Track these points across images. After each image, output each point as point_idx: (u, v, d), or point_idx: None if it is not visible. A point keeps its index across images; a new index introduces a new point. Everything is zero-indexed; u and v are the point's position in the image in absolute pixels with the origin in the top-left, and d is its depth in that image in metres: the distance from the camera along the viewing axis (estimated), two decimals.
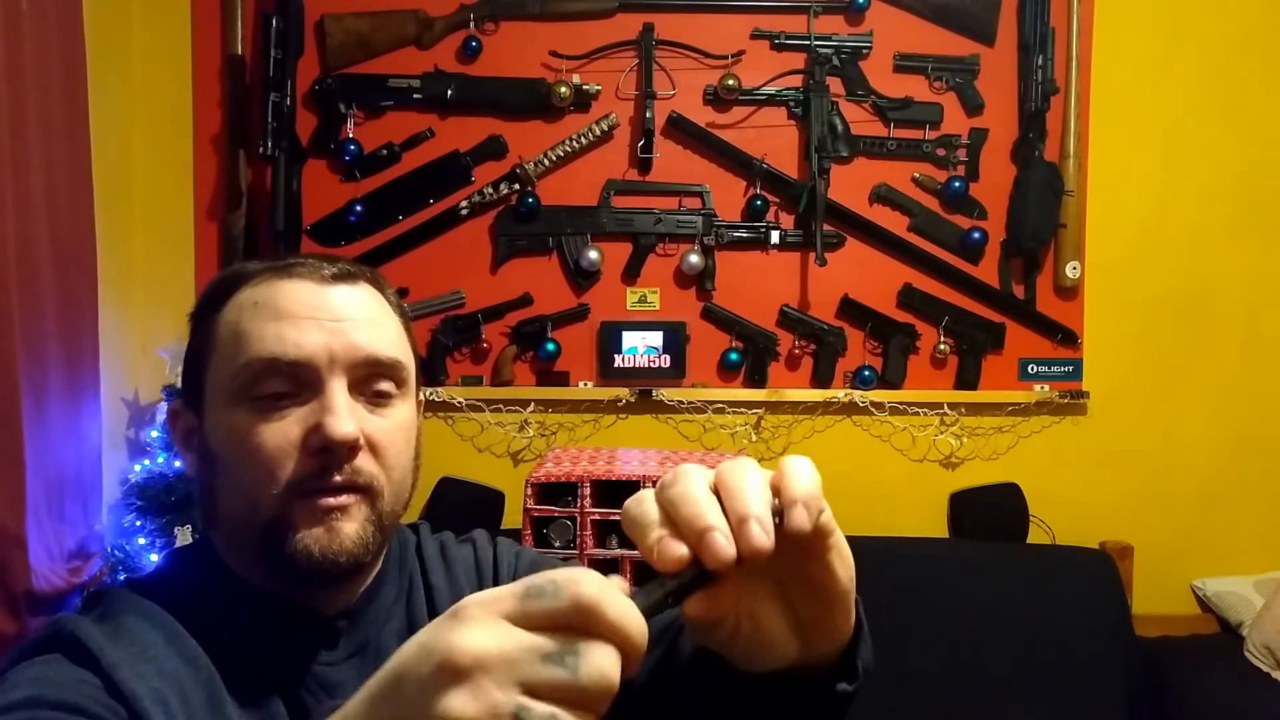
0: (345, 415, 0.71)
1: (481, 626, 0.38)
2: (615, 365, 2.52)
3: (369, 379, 0.75)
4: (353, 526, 0.72)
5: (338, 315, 0.74)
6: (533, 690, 0.37)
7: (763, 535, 0.44)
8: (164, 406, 2.26)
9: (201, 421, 0.76)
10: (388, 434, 0.75)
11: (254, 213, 2.49)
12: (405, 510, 0.80)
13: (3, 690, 0.63)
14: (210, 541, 0.78)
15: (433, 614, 0.83)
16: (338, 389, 0.72)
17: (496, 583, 0.87)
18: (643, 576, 1.95)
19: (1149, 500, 2.56)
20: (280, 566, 0.72)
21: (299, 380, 0.72)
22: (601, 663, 0.38)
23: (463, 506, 2.40)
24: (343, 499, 0.72)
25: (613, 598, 0.39)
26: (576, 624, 0.39)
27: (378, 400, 0.76)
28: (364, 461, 0.73)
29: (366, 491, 0.73)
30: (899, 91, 2.52)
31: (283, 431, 0.71)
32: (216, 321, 0.76)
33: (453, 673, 0.37)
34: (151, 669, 0.66)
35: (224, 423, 0.73)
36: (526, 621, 0.39)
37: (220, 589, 0.75)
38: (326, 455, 0.71)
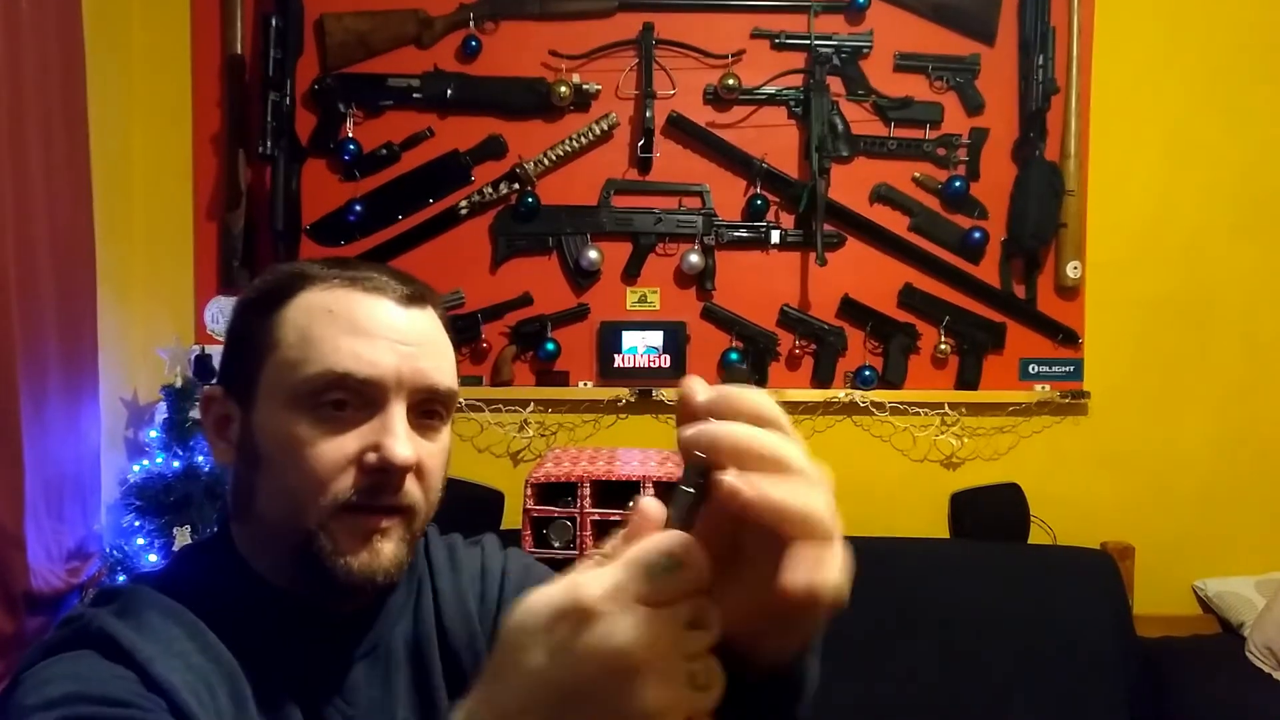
0: (405, 439, 0.73)
1: (634, 621, 0.41)
2: (615, 365, 2.51)
3: (424, 403, 0.76)
4: (391, 547, 0.74)
5: (409, 340, 0.75)
6: (690, 656, 0.42)
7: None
8: (163, 406, 2.26)
9: (247, 415, 0.76)
10: (434, 458, 0.77)
11: (253, 212, 2.49)
12: None
13: (35, 686, 0.63)
14: (228, 535, 0.79)
15: (439, 619, 0.83)
16: (399, 412, 0.73)
17: (501, 593, 0.87)
18: None
19: (1150, 500, 2.56)
20: (315, 577, 0.73)
21: (363, 397, 0.73)
22: (716, 612, 0.43)
23: (462, 507, 2.39)
24: (385, 522, 0.74)
25: (695, 556, 0.42)
26: (693, 588, 0.42)
27: (428, 424, 0.77)
28: (411, 485, 0.74)
29: (408, 513, 0.75)
30: (899, 91, 2.52)
31: (340, 446, 0.72)
32: (279, 319, 0.75)
33: (634, 671, 0.40)
34: (180, 663, 0.67)
35: (278, 425, 0.73)
36: (661, 599, 0.42)
37: (237, 587, 0.76)
38: (381, 475, 0.72)
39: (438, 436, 0.77)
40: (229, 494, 0.80)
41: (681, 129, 2.51)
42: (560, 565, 0.96)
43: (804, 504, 0.43)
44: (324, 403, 0.72)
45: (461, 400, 2.51)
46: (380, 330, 0.74)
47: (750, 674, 0.52)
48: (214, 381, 0.82)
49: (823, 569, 0.42)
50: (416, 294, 0.78)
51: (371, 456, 0.72)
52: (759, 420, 0.45)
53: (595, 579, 0.42)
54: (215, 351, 2.32)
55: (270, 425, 0.74)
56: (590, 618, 0.41)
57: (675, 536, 0.42)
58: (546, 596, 0.43)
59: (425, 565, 0.86)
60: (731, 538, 0.46)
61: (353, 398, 0.73)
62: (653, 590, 0.41)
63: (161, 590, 0.73)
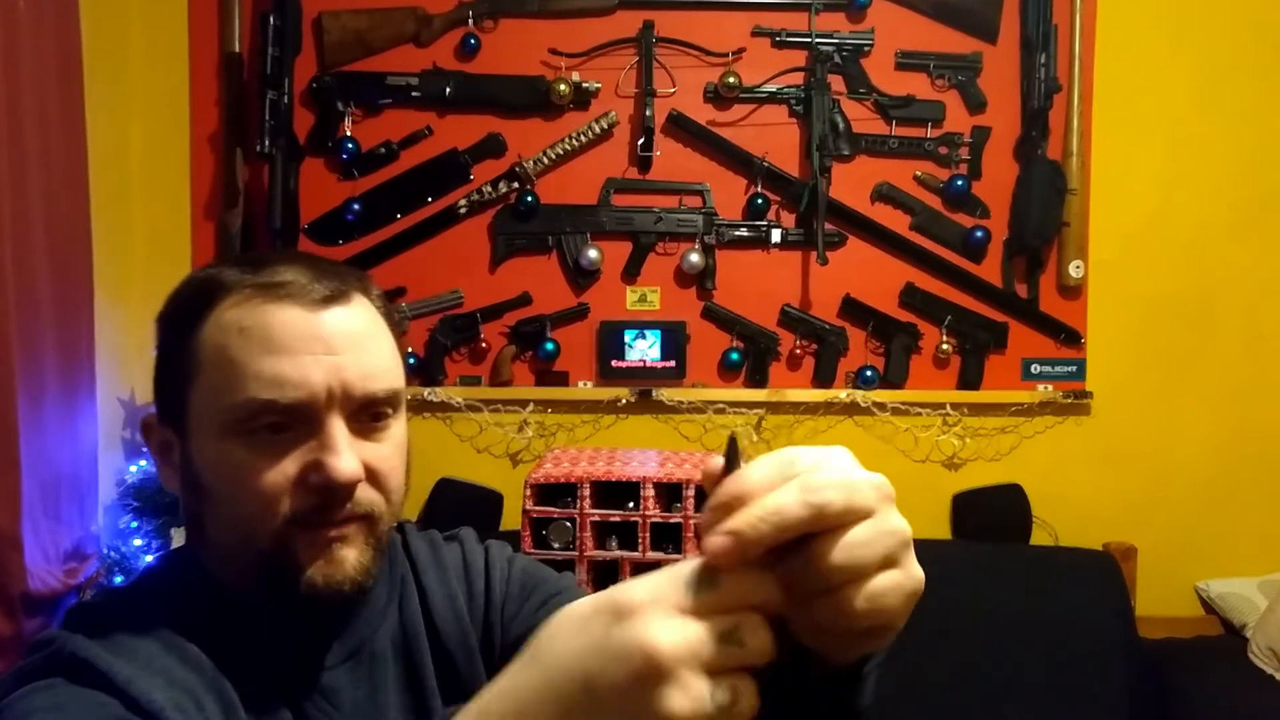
0: (347, 454, 0.70)
1: (668, 623, 0.41)
2: (615, 365, 2.50)
3: (365, 409, 0.74)
4: (354, 553, 0.72)
5: (333, 346, 0.71)
6: (714, 670, 0.42)
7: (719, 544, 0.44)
8: None
9: (183, 442, 0.74)
10: (386, 460, 0.74)
11: (251, 211, 2.48)
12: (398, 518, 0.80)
13: None
14: (196, 552, 0.77)
15: (428, 616, 0.82)
16: (338, 426, 0.71)
17: (488, 589, 0.85)
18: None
19: (1152, 501, 2.55)
20: (281, 594, 0.71)
21: (295, 416, 0.70)
22: (762, 633, 0.43)
23: (461, 507, 2.39)
24: (343, 530, 0.72)
25: (736, 581, 0.43)
26: (730, 607, 0.43)
27: (374, 426, 0.74)
28: (364, 492, 0.72)
29: (367, 519, 0.73)
30: (901, 89, 2.51)
31: (281, 469, 0.70)
32: (197, 340, 0.72)
33: (658, 673, 0.40)
34: (161, 680, 0.65)
35: (215, 454, 0.71)
36: (697, 611, 0.42)
37: (207, 597, 0.74)
38: (328, 493, 0.70)
39: (386, 435, 0.75)
40: (183, 516, 0.77)
41: (682, 127, 2.50)
42: (560, 566, 0.95)
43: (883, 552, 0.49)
44: (257, 428, 0.70)
45: (460, 400, 2.52)
46: (299, 344, 0.70)
47: (813, 672, 0.53)
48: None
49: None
50: (335, 290, 0.73)
51: (314, 476, 0.70)
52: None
53: (639, 583, 0.43)
54: None
55: (208, 455, 0.72)
56: (626, 614, 0.42)
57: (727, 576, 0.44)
58: (591, 597, 0.45)
59: (407, 563, 0.85)
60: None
61: (286, 419, 0.70)
62: (688, 602, 0.42)
63: (133, 604, 0.72)
